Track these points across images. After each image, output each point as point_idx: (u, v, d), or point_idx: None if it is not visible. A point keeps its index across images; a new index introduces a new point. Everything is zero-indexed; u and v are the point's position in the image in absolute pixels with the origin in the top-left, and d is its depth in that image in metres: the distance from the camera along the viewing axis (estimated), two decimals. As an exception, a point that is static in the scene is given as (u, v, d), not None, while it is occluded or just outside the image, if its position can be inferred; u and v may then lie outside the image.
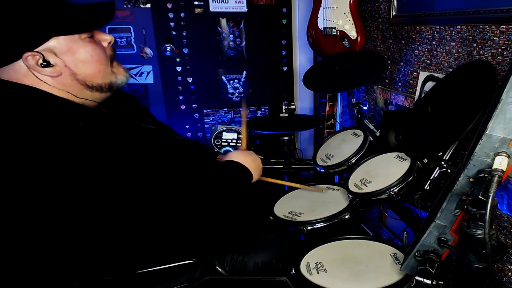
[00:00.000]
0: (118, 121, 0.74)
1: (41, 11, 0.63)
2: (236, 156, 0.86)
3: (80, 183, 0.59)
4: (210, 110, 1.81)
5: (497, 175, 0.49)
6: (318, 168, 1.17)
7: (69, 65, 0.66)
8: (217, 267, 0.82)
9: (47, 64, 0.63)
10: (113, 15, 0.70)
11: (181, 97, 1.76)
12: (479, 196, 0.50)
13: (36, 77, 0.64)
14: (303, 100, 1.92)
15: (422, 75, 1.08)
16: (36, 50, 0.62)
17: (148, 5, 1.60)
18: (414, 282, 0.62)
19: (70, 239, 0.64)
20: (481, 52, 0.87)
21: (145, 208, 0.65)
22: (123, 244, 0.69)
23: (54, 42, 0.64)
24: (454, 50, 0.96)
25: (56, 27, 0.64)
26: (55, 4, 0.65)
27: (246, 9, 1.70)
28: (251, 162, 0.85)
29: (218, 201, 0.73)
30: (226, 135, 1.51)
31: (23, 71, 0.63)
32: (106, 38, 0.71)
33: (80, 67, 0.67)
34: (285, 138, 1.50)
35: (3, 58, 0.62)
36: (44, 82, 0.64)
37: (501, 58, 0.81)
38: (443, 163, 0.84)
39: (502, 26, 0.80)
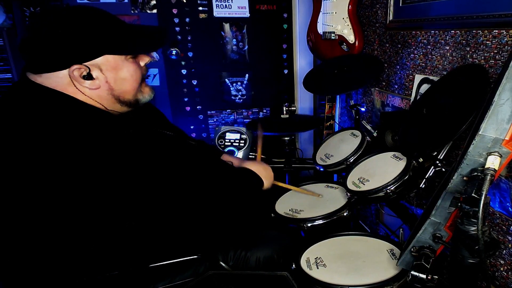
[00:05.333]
0: (144, 127, 0.77)
1: (99, 28, 0.66)
2: (250, 165, 0.93)
3: (100, 182, 0.62)
4: (214, 112, 1.85)
5: (489, 174, 0.50)
6: (317, 167, 1.20)
7: (110, 81, 0.69)
8: (221, 262, 0.84)
9: (88, 77, 0.66)
10: (165, 42, 0.74)
11: (186, 99, 1.79)
12: (473, 194, 0.51)
13: (75, 86, 0.66)
14: (303, 102, 1.95)
15: (418, 77, 1.10)
16: (84, 63, 0.65)
17: (155, 11, 1.64)
18: (410, 277, 0.63)
19: (82, 234, 0.66)
20: (474, 55, 0.89)
21: (161, 208, 0.67)
22: (134, 241, 0.71)
23: (103, 59, 0.67)
24: (448, 54, 0.99)
25: (110, 46, 0.67)
26: (112, 23, 0.68)
27: (249, 14, 1.74)
28: (263, 170, 0.93)
29: (231, 204, 0.77)
30: (230, 136, 1.54)
31: (66, 80, 0.66)
32: (146, 60, 0.74)
33: (119, 84, 0.70)
34: (286, 138, 1.52)
35: (52, 65, 0.64)
36: (81, 92, 0.67)
37: (493, 61, 0.84)
38: (437, 162, 0.85)
39: (494, 31, 0.83)
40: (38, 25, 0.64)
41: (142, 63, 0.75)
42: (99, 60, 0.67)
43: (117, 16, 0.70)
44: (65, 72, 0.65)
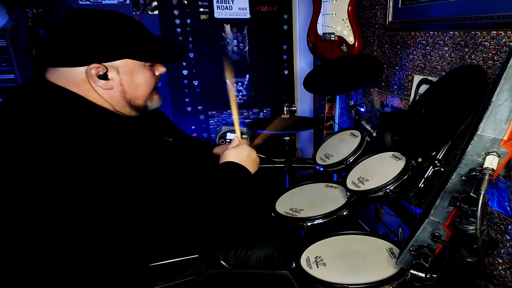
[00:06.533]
0: (147, 131, 0.78)
1: (125, 32, 0.67)
2: (231, 156, 0.84)
3: (99, 182, 0.62)
4: (214, 112, 1.86)
5: (488, 174, 0.51)
6: (317, 167, 1.20)
7: (124, 84, 0.70)
8: (222, 261, 0.85)
9: (104, 77, 0.67)
10: (183, 56, 0.75)
11: (187, 100, 1.80)
12: (471, 194, 0.51)
13: (90, 84, 0.68)
14: (303, 102, 1.96)
15: (417, 78, 1.11)
16: (104, 63, 0.66)
17: (156, 12, 1.65)
18: (409, 276, 0.64)
19: (82, 234, 0.67)
20: (472, 56, 0.90)
21: (153, 210, 0.68)
22: (133, 241, 0.72)
23: (122, 62, 0.68)
24: (447, 55, 1.00)
25: (133, 51, 0.68)
26: (138, 30, 0.69)
27: (249, 16, 1.75)
28: (246, 158, 0.84)
29: (220, 203, 0.76)
30: (230, 136, 1.56)
31: (82, 77, 0.67)
32: (161, 70, 0.76)
33: (132, 88, 0.72)
34: (286, 138, 1.53)
35: (73, 60, 0.66)
36: (95, 91, 0.68)
37: (491, 62, 0.84)
38: (436, 162, 0.86)
39: (492, 32, 0.84)
40: (69, 22, 0.65)
41: (157, 73, 0.76)
42: (118, 62, 0.68)
43: (143, 25, 0.71)
44: (82, 69, 0.66)
